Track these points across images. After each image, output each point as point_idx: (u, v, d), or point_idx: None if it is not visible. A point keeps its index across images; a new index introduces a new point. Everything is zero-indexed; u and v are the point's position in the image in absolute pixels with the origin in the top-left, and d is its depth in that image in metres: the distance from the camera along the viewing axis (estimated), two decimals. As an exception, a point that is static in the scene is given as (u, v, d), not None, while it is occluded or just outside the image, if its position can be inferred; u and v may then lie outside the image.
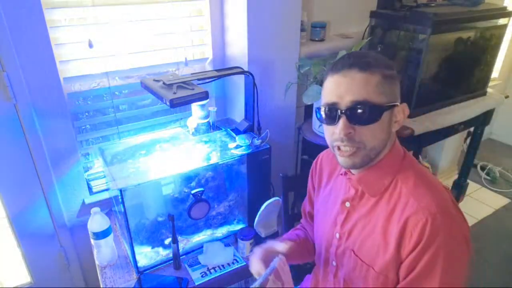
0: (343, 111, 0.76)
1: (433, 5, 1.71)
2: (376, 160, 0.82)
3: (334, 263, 0.94)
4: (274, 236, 1.39)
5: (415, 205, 0.75)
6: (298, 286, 1.20)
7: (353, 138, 0.77)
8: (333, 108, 0.78)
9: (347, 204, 0.89)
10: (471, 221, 2.45)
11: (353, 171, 0.86)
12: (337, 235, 0.92)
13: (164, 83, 1.17)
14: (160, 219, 1.31)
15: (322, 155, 1.06)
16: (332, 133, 0.80)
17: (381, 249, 0.80)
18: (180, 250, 1.25)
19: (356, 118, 0.76)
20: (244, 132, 1.40)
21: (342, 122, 0.77)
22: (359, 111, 0.75)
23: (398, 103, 0.80)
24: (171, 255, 1.25)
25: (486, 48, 1.79)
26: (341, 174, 0.93)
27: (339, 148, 0.80)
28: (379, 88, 0.76)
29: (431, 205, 0.74)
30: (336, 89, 0.77)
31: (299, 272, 1.24)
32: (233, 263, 1.29)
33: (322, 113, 0.81)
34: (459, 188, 2.33)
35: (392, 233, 0.78)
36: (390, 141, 0.83)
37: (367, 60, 0.77)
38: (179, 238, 1.31)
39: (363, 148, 0.78)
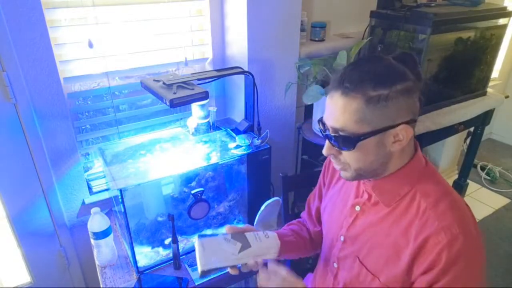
0: (326, 134, 0.78)
1: (433, 5, 1.71)
2: (388, 172, 0.79)
3: (335, 265, 0.93)
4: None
5: (436, 224, 0.71)
6: None
7: (338, 158, 0.79)
8: (323, 126, 0.80)
9: (357, 208, 0.87)
10: (471, 221, 2.45)
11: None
12: (342, 238, 0.90)
13: (164, 83, 1.17)
14: (160, 219, 1.31)
15: None
16: None
17: (391, 262, 0.77)
18: (180, 250, 1.25)
19: (336, 143, 0.77)
20: (244, 132, 1.40)
21: (326, 142, 0.79)
22: (336, 137, 0.75)
23: (397, 124, 0.72)
24: (171, 255, 1.25)
25: (486, 48, 1.80)
26: None
27: None
28: (359, 115, 0.71)
29: (453, 225, 0.70)
30: (326, 109, 0.78)
31: (300, 270, 1.24)
32: (233, 263, 1.29)
33: (320, 125, 0.82)
34: (459, 188, 2.33)
35: (407, 249, 0.74)
36: (392, 160, 0.78)
37: (355, 79, 0.71)
38: (179, 238, 1.31)
39: (348, 168, 0.79)
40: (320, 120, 0.80)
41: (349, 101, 0.71)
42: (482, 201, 2.67)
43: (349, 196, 0.92)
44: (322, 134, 0.80)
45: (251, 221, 1.38)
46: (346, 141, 0.74)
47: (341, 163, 0.80)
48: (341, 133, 0.74)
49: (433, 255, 0.70)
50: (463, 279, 0.69)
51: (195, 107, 1.42)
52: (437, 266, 0.70)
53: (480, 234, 0.74)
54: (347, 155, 0.77)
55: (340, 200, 0.95)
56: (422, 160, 0.81)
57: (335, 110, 0.74)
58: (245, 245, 0.88)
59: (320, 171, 1.09)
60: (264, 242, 0.91)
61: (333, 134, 0.75)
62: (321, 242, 1.05)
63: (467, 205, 0.77)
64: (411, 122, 0.74)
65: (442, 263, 0.69)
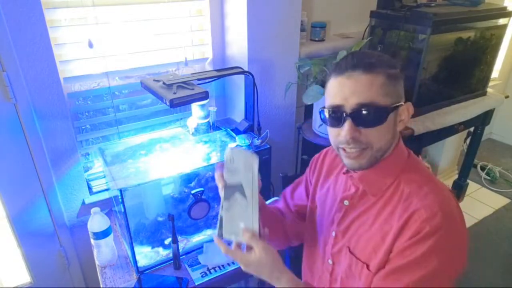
0: (348, 114, 0.75)
1: (433, 5, 1.71)
2: (380, 160, 0.82)
3: (330, 261, 0.94)
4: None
5: (418, 204, 0.74)
6: None
7: (359, 140, 0.77)
8: (338, 110, 0.77)
9: (346, 202, 0.89)
10: (471, 221, 2.45)
11: None
12: (333, 233, 0.91)
13: (164, 83, 1.17)
14: (160, 219, 1.31)
15: (326, 151, 1.05)
16: (337, 135, 0.79)
17: (377, 247, 0.79)
18: (180, 250, 1.25)
19: (362, 121, 0.75)
20: (244, 132, 1.40)
21: (347, 124, 0.76)
22: (365, 113, 0.74)
23: (402, 102, 0.79)
24: (171, 255, 1.25)
25: (486, 48, 1.80)
26: (343, 173, 0.92)
27: (344, 150, 0.80)
28: (384, 89, 0.75)
29: (434, 204, 0.73)
30: (341, 91, 0.76)
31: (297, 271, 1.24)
32: (233, 263, 1.29)
33: (326, 114, 0.80)
34: (459, 188, 2.34)
35: (391, 232, 0.77)
36: (394, 141, 0.82)
37: (371, 60, 0.76)
38: (179, 238, 1.31)
39: (370, 148, 0.78)
40: (332, 107, 0.78)
41: (373, 76, 0.74)
42: (482, 201, 2.67)
43: (338, 192, 0.93)
44: (337, 118, 0.77)
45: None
46: (378, 113, 0.75)
47: (362, 144, 0.77)
48: (374, 107, 0.74)
49: (413, 227, 0.73)
50: (439, 251, 0.70)
51: (195, 107, 1.42)
52: (417, 235, 0.72)
53: (463, 220, 0.76)
54: (372, 133, 0.76)
55: (330, 197, 0.96)
56: (404, 150, 0.85)
57: (359, 87, 0.74)
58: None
59: None
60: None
61: (360, 110, 0.74)
62: (296, 238, 1.07)
63: (451, 191, 0.80)
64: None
65: (422, 233, 0.71)
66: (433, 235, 0.71)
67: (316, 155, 1.07)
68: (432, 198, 0.75)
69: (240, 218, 0.78)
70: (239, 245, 0.80)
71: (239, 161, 0.78)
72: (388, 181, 0.81)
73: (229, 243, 0.80)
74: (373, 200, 0.83)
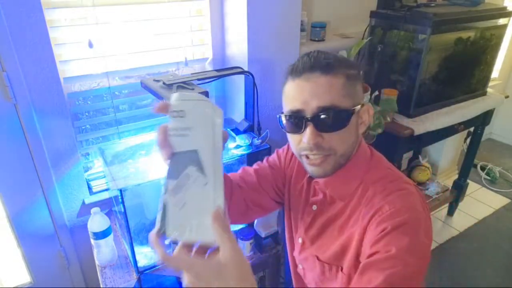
0: (309, 118, 0.71)
1: (433, 5, 1.71)
2: (344, 164, 0.78)
3: (300, 266, 0.92)
4: (274, 235, 1.39)
5: (382, 201, 0.72)
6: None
7: (322, 146, 0.73)
8: (298, 115, 0.73)
9: (314, 207, 0.86)
10: (471, 221, 2.45)
11: None
12: (300, 240, 0.88)
13: (164, 83, 1.17)
14: (160, 219, 1.31)
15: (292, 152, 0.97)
16: (299, 142, 0.75)
17: (346, 248, 0.77)
18: (180, 250, 1.25)
19: (324, 125, 0.71)
20: (244, 132, 1.40)
21: (309, 130, 0.72)
22: (326, 117, 0.70)
23: (362, 103, 0.76)
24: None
25: (486, 48, 1.80)
26: (307, 179, 0.90)
27: (307, 157, 0.76)
28: (344, 90, 0.71)
29: (397, 201, 0.71)
30: (300, 94, 0.72)
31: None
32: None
33: (285, 121, 0.76)
34: (459, 188, 2.34)
35: (356, 232, 0.75)
36: (357, 144, 0.79)
37: (329, 61, 0.72)
38: (179, 238, 1.31)
39: (333, 154, 0.74)
40: (291, 112, 0.74)
41: (332, 78, 0.71)
42: (482, 201, 2.67)
43: (305, 196, 0.89)
44: (297, 123, 0.73)
45: (251, 222, 1.38)
46: (339, 117, 0.71)
47: (325, 150, 0.73)
48: (335, 110, 0.70)
49: (377, 224, 0.69)
50: (403, 243, 0.65)
51: (195, 107, 1.41)
52: (378, 233, 0.68)
53: (428, 213, 0.73)
54: (334, 138, 0.73)
55: (294, 200, 0.92)
56: (367, 150, 0.82)
57: (318, 90, 0.71)
58: None
59: None
60: None
61: (321, 114, 0.70)
62: (256, 206, 0.95)
63: (416, 186, 0.78)
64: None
65: (386, 230, 0.67)
66: (397, 228, 0.67)
67: (287, 148, 0.98)
68: (396, 196, 0.72)
69: (196, 205, 0.51)
70: (188, 247, 0.52)
71: (191, 115, 0.52)
72: (354, 185, 0.79)
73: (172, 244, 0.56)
74: (341, 204, 0.81)
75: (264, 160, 1.01)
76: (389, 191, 0.74)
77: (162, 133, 0.52)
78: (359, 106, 0.74)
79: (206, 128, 0.52)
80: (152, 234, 0.50)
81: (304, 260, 0.88)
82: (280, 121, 0.78)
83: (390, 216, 0.69)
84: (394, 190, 0.73)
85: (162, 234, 0.51)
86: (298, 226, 0.89)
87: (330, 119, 0.71)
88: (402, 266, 0.63)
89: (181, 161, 0.52)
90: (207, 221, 0.50)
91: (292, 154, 0.96)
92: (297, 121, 0.74)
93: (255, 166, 0.99)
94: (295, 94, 0.74)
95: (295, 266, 0.96)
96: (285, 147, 1.00)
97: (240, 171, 0.98)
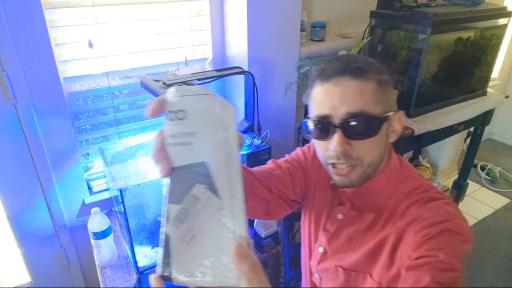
0: (338, 125, 0.67)
1: (433, 5, 1.71)
2: (372, 175, 0.74)
3: (317, 276, 0.88)
4: (274, 235, 1.39)
5: (420, 210, 0.69)
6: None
7: (350, 154, 0.69)
8: (325, 121, 0.69)
9: (340, 216, 0.82)
10: (471, 221, 2.45)
11: None
12: (321, 250, 0.84)
13: (164, 83, 1.17)
14: (160, 219, 1.31)
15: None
16: (326, 149, 0.71)
17: (377, 253, 0.74)
18: (180, 250, 1.25)
19: (353, 132, 0.67)
20: (244, 132, 1.40)
21: (337, 137, 0.67)
22: (356, 124, 0.66)
23: (394, 111, 0.72)
24: (171, 255, 1.25)
25: (486, 48, 1.79)
26: (331, 186, 0.84)
27: (333, 166, 0.72)
28: (375, 96, 0.68)
29: (436, 210, 0.69)
30: (328, 99, 0.68)
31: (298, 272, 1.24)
32: (233, 263, 1.29)
33: (312, 126, 0.71)
34: (459, 188, 2.33)
35: (391, 238, 0.72)
36: (387, 153, 0.75)
37: (359, 65, 0.68)
38: (179, 238, 1.30)
39: (360, 165, 0.70)
40: (319, 118, 0.70)
41: (363, 82, 0.67)
42: (482, 201, 2.67)
43: (326, 204, 0.85)
44: (324, 129, 0.69)
45: (251, 221, 1.38)
46: (370, 124, 0.67)
47: (352, 160, 0.69)
48: (365, 117, 0.66)
49: (415, 231, 0.67)
50: (448, 247, 0.64)
51: (195, 107, 1.41)
52: (421, 237, 0.66)
53: (467, 223, 0.70)
54: (363, 146, 0.69)
55: (316, 209, 0.88)
56: (397, 160, 0.79)
57: (347, 95, 0.67)
58: None
59: None
60: None
61: (350, 121, 0.66)
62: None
63: (448, 198, 0.75)
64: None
65: (427, 234, 0.65)
66: (443, 232, 0.65)
67: (310, 148, 0.92)
68: (433, 204, 0.70)
69: (209, 237, 0.38)
70: None
71: (194, 115, 0.39)
72: (384, 197, 0.75)
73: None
74: (371, 217, 0.77)
75: (287, 156, 0.95)
76: (425, 200, 0.71)
77: (158, 142, 0.40)
78: (391, 113, 0.70)
79: (215, 132, 0.39)
80: (154, 277, 0.39)
81: (323, 270, 0.84)
82: (306, 127, 0.73)
83: (432, 222, 0.66)
84: (430, 199, 0.71)
85: (166, 278, 0.38)
86: (319, 235, 0.85)
87: (360, 126, 0.67)
88: (449, 271, 0.61)
89: (185, 179, 0.38)
90: (225, 259, 0.37)
91: (314, 154, 0.90)
92: (325, 127, 0.69)
93: (284, 158, 0.94)
94: (323, 99, 0.69)
95: (310, 274, 0.92)
96: (309, 145, 0.94)
97: (270, 163, 0.91)
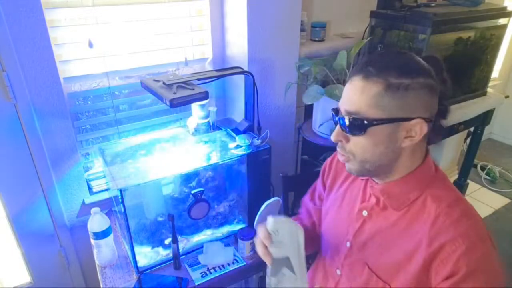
0: (337, 118, 0.77)
1: (433, 5, 1.71)
2: (396, 172, 0.78)
3: (338, 272, 0.90)
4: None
5: (451, 230, 0.70)
6: None
7: (344, 147, 0.78)
8: (335, 113, 0.79)
9: (365, 212, 0.84)
10: (471, 221, 2.45)
11: (376, 179, 0.82)
12: (348, 244, 0.87)
13: (164, 83, 1.17)
14: (160, 219, 1.31)
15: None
16: None
17: (402, 268, 0.75)
18: (180, 250, 1.25)
19: (345, 127, 0.75)
20: (244, 132, 1.40)
21: (336, 128, 0.77)
22: (347, 121, 0.74)
23: (413, 117, 0.70)
24: (171, 255, 1.25)
25: (486, 48, 1.79)
26: (362, 179, 0.89)
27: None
28: (376, 100, 0.70)
29: (470, 232, 0.69)
30: (344, 95, 0.77)
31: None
32: (233, 263, 1.29)
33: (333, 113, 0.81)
34: (459, 188, 2.33)
35: (419, 253, 0.73)
36: (395, 156, 0.75)
37: (379, 65, 0.71)
38: (179, 238, 1.31)
39: (352, 159, 0.77)
40: (333, 109, 0.80)
41: (369, 84, 0.71)
42: (482, 201, 2.67)
43: (355, 200, 0.89)
44: (334, 121, 0.79)
45: (251, 221, 1.38)
46: (358, 124, 0.72)
47: (345, 152, 0.78)
48: (354, 116, 0.72)
49: (451, 262, 0.68)
50: (485, 283, 0.67)
51: (195, 107, 1.42)
52: (456, 273, 0.67)
53: (494, 242, 0.73)
54: (354, 143, 0.75)
55: (346, 204, 0.91)
56: (432, 165, 0.80)
57: (353, 93, 0.73)
58: None
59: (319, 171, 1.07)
60: None
61: (346, 117, 0.74)
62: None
63: (477, 212, 0.76)
64: (427, 121, 0.72)
65: (462, 271, 0.67)
66: (476, 271, 0.67)
67: (329, 159, 1.04)
68: (465, 224, 0.71)
69: None
70: None
71: (284, 233, 0.74)
72: (412, 196, 0.77)
73: None
74: (396, 215, 0.79)
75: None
76: (457, 215, 0.72)
77: (262, 246, 0.78)
78: (395, 118, 0.70)
79: (293, 241, 0.74)
80: None
81: (349, 265, 0.87)
82: (332, 115, 0.82)
83: (465, 254, 0.68)
84: (462, 216, 0.72)
85: None
86: (348, 230, 0.88)
87: (349, 124, 0.74)
88: None
89: (278, 265, 0.73)
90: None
91: (331, 161, 1.03)
92: (334, 118, 0.80)
93: (309, 195, 1.13)
94: (343, 94, 0.78)
95: (329, 270, 0.94)
96: (329, 158, 1.05)
97: (303, 209, 1.15)
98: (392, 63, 0.72)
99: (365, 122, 0.71)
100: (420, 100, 0.71)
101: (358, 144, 0.75)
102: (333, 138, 0.78)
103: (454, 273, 0.68)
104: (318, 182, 1.08)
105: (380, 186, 0.81)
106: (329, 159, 1.04)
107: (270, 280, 0.73)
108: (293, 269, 0.73)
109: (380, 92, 0.69)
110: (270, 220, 0.75)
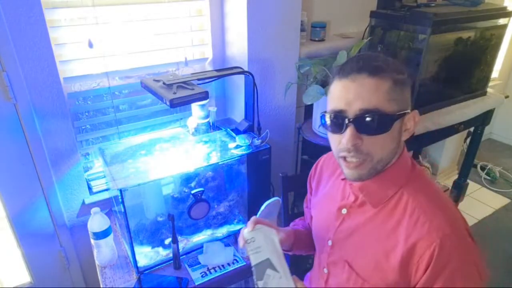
0: (351, 120, 0.71)
1: (433, 5, 1.71)
2: (381, 170, 0.77)
3: (325, 270, 0.91)
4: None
5: (427, 224, 0.70)
6: None
7: (360, 149, 0.72)
8: (340, 115, 0.72)
9: (344, 210, 0.85)
10: (471, 221, 2.45)
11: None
12: (330, 242, 0.88)
13: (164, 83, 1.17)
14: (160, 219, 1.31)
15: (324, 158, 1.02)
16: (339, 143, 0.75)
17: (379, 264, 0.76)
18: (180, 250, 1.25)
19: (365, 128, 0.70)
20: (244, 132, 1.40)
21: (349, 131, 0.71)
22: (369, 120, 0.69)
23: (409, 110, 0.74)
24: (171, 255, 1.25)
25: (486, 48, 1.79)
26: (342, 179, 0.89)
27: (345, 159, 0.75)
28: (390, 94, 0.70)
29: (445, 225, 0.70)
30: (344, 95, 0.72)
31: (301, 270, 1.24)
32: (233, 263, 1.29)
33: (328, 120, 0.75)
34: (459, 188, 2.33)
35: (396, 250, 0.73)
36: (398, 151, 0.77)
37: (377, 63, 0.72)
38: (179, 238, 1.31)
39: (369, 160, 0.73)
40: (334, 112, 0.74)
41: (379, 80, 0.70)
42: (482, 201, 2.67)
43: (335, 199, 0.89)
44: (338, 123, 0.73)
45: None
46: (382, 121, 0.70)
47: (362, 155, 0.72)
48: (379, 113, 0.69)
49: (426, 257, 0.69)
50: (458, 278, 0.68)
51: (195, 107, 1.42)
52: (433, 267, 0.68)
53: (472, 235, 0.73)
54: (374, 142, 0.72)
55: (327, 204, 0.92)
56: (409, 159, 0.81)
57: (363, 92, 0.70)
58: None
59: None
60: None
61: (364, 117, 0.70)
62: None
63: (455, 206, 0.77)
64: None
65: (438, 263, 0.68)
66: (450, 263, 0.68)
67: (314, 165, 1.05)
68: (440, 216, 0.71)
69: None
70: None
71: (259, 239, 0.81)
72: (390, 192, 0.77)
73: None
74: (373, 211, 0.79)
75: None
76: (432, 209, 0.72)
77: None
78: (407, 112, 0.73)
79: (268, 242, 0.81)
80: None
81: (333, 263, 0.87)
82: (322, 119, 0.77)
83: (440, 246, 0.68)
84: (437, 209, 0.72)
85: None
86: (329, 228, 0.88)
87: (373, 122, 0.70)
88: None
89: (261, 269, 0.77)
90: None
91: (316, 165, 1.04)
92: (339, 121, 0.73)
93: (307, 198, 1.13)
94: (340, 94, 0.73)
95: (321, 269, 0.95)
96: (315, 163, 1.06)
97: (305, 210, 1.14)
98: (387, 61, 0.74)
99: (389, 117, 0.70)
100: (409, 94, 0.75)
101: (377, 143, 0.72)
102: (350, 142, 0.71)
103: (429, 266, 0.69)
104: (308, 186, 1.09)
105: (358, 184, 0.81)
106: (315, 164, 1.05)
107: (257, 285, 0.76)
108: (275, 267, 0.76)
109: (391, 86, 0.71)
110: (245, 231, 0.84)
